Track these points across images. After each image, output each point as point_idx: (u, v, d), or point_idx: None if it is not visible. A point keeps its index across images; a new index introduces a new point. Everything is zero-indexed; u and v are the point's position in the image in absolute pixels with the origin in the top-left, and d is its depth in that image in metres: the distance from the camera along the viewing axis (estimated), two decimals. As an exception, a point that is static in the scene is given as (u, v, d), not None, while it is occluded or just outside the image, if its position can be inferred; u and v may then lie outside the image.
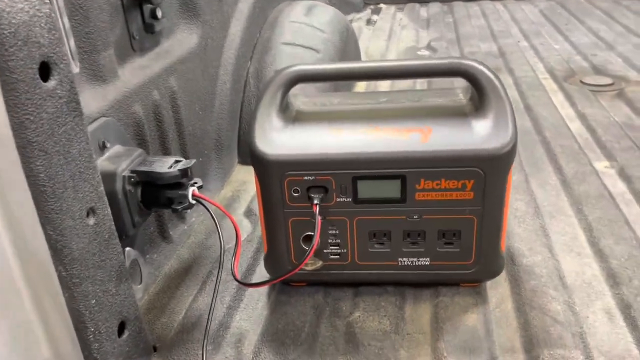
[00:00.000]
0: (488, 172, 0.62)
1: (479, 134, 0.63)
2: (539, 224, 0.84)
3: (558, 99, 1.34)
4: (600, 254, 0.77)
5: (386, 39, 1.99)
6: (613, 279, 0.72)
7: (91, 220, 0.54)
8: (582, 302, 0.69)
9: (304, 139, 0.66)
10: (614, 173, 0.98)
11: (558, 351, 0.61)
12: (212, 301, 0.64)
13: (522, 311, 0.68)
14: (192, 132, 0.95)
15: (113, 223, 0.58)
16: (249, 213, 0.94)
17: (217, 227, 0.64)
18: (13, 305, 0.51)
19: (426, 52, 1.81)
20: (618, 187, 0.94)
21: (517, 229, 0.83)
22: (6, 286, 0.50)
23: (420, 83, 1.46)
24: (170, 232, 0.86)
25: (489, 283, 0.73)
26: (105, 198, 0.57)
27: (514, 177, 0.94)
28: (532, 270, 0.74)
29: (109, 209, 0.57)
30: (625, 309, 0.67)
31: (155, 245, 0.83)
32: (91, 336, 0.55)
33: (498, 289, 0.73)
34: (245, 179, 1.06)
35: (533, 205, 0.89)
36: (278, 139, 0.66)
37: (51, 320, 0.54)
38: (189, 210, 0.82)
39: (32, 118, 0.46)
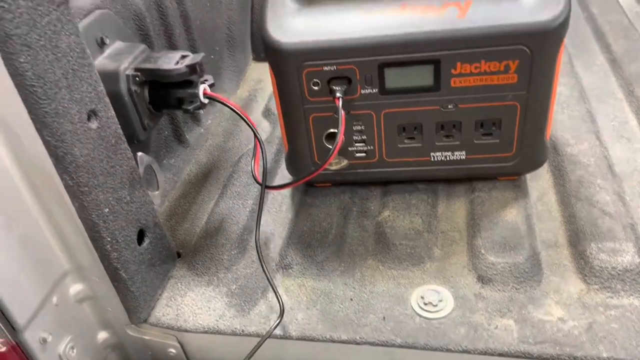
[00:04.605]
0: (536, 50, 0.54)
1: (526, 5, 0.54)
2: (585, 109, 0.77)
3: (605, -31, 1.19)
4: (655, 139, 0.70)
5: None
6: (669, 165, 0.66)
7: (93, 124, 0.49)
8: (632, 191, 0.63)
9: (322, 22, 0.58)
10: (669, 50, 0.88)
11: (607, 244, 0.56)
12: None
13: (566, 204, 0.63)
14: (201, 26, 0.86)
15: (119, 126, 0.53)
16: (267, 113, 0.88)
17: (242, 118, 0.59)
18: (19, 217, 0.48)
19: None
20: (674, 65, 0.84)
21: (561, 115, 0.76)
22: (8, 196, 0.47)
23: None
24: (187, 136, 0.81)
25: (529, 175, 0.68)
26: (107, 99, 0.52)
27: (557, 59, 0.84)
28: (578, 160, 0.68)
29: (112, 112, 0.52)
30: (683, 197, 0.61)
31: (171, 150, 0.79)
32: (108, 246, 0.52)
33: (539, 181, 0.67)
34: (261, 77, 0.99)
35: (578, 89, 0.81)
36: (293, 25, 0.58)
37: (65, 232, 0.51)
38: (202, 111, 0.76)
39: (6, 6, 0.40)
